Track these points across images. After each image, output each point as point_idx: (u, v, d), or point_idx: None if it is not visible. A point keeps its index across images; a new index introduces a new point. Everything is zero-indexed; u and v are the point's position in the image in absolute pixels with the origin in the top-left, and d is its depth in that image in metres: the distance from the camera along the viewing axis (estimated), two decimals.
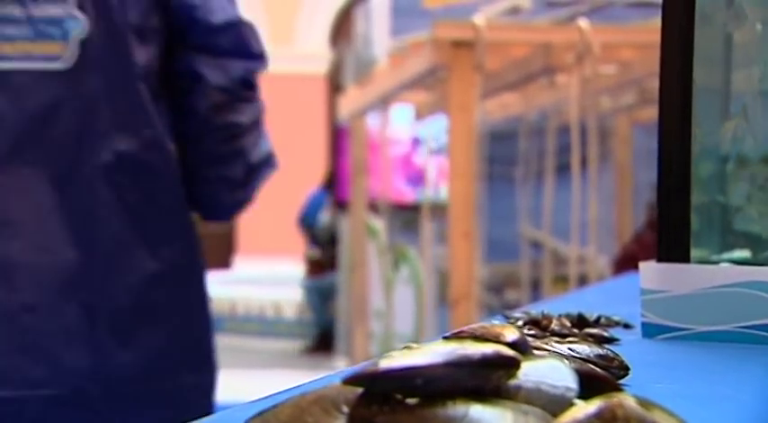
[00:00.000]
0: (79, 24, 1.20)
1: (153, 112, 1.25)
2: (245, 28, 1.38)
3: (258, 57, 1.42)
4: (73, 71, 1.20)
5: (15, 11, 1.19)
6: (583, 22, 2.52)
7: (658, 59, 2.49)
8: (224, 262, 10.90)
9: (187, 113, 1.32)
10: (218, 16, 1.31)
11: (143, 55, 1.25)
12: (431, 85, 3.30)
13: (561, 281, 3.90)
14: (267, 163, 1.48)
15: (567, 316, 0.81)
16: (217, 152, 1.36)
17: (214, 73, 1.31)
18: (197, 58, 1.30)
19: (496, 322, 0.61)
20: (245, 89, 1.39)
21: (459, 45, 2.52)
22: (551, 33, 2.51)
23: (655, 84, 2.60)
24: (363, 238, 4.18)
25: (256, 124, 1.44)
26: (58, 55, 1.20)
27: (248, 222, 11.09)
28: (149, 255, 1.26)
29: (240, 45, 1.36)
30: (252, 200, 1.49)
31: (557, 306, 0.94)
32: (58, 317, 1.21)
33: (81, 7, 1.21)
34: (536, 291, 4.07)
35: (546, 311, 0.82)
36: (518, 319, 0.83)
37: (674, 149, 0.81)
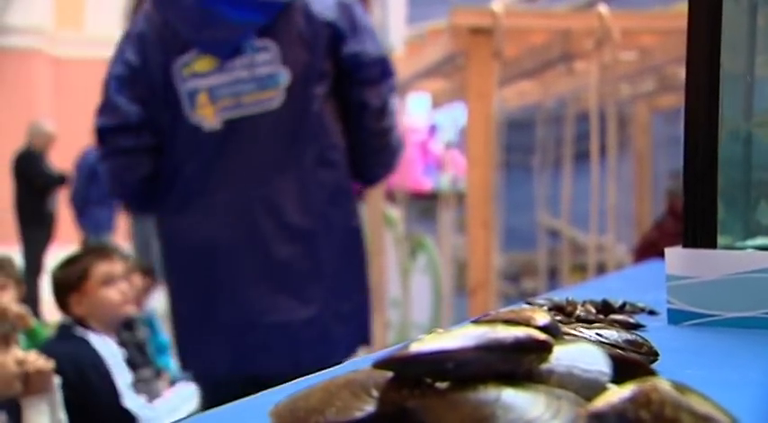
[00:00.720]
0: (285, 76, 1.71)
1: (332, 126, 1.76)
2: (385, 58, 1.83)
3: (392, 74, 1.85)
4: (282, 108, 1.71)
5: (243, 73, 1.70)
6: (602, 8, 2.50)
7: (679, 45, 2.47)
8: None
9: (358, 127, 1.81)
10: (372, 56, 1.77)
11: (322, 89, 1.74)
12: (448, 72, 3.28)
13: (579, 269, 3.88)
14: (400, 146, 1.94)
15: (592, 302, 0.81)
16: (377, 147, 1.86)
17: (374, 99, 1.79)
18: (361, 89, 1.78)
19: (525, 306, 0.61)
20: (391, 103, 1.84)
21: (477, 32, 2.50)
22: (570, 20, 2.49)
23: (675, 70, 2.60)
24: (380, 227, 4.18)
25: (395, 125, 1.90)
26: (273, 98, 1.71)
27: None
28: (343, 219, 1.80)
29: (385, 72, 1.80)
30: (393, 170, 1.98)
31: (579, 293, 0.93)
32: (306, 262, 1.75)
33: (284, 64, 1.71)
34: (553, 279, 4.05)
35: (570, 298, 0.82)
36: (542, 306, 0.82)
37: (701, 134, 0.80)
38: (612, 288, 1.11)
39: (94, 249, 2.74)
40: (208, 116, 1.69)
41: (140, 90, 1.71)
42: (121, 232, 8.68)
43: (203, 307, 1.75)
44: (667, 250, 0.80)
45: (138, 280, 2.85)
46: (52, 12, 10.72)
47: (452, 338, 0.39)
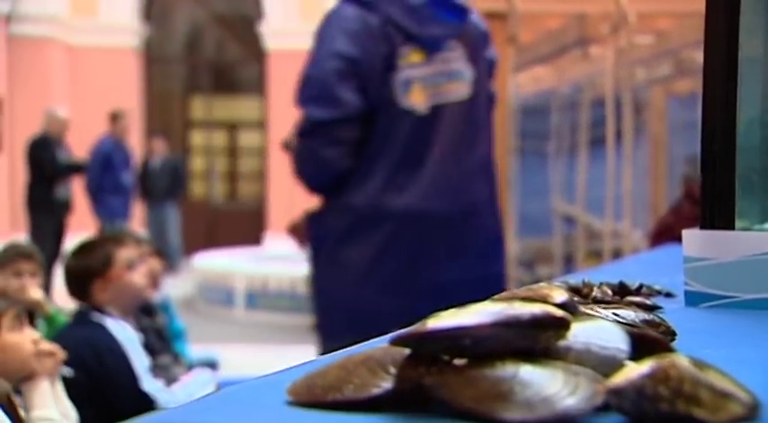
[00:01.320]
0: (469, 72, 1.99)
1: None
2: None
3: None
4: (469, 98, 1.99)
5: (442, 67, 1.97)
6: None
7: (696, 29, 2.45)
8: (255, 238, 10.97)
9: None
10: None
11: (489, 86, 2.11)
12: None
13: (594, 256, 3.87)
14: None
15: (608, 284, 0.81)
16: None
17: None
18: (491, 86, 2.15)
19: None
20: None
21: (492, 16, 2.49)
22: (586, 3, 2.47)
23: (691, 54, 2.58)
24: None
25: None
26: (462, 90, 1.97)
27: (279, 200, 11.14)
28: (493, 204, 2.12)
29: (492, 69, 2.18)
30: None
31: (595, 276, 0.93)
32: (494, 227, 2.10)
33: (468, 62, 1.99)
34: (568, 266, 4.04)
35: (586, 280, 0.81)
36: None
37: (719, 117, 0.79)
38: (629, 272, 1.11)
39: (111, 236, 2.75)
40: (419, 102, 1.91)
41: (360, 80, 1.89)
42: (137, 220, 8.73)
43: (414, 267, 1.95)
44: (685, 232, 0.79)
45: (154, 263, 2.87)
46: (67, 0, 10.74)
47: (469, 315, 0.39)
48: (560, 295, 0.44)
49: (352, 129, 1.89)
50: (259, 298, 6.93)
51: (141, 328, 2.43)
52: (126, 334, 2.31)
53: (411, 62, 1.92)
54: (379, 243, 1.93)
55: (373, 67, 1.88)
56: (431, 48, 1.94)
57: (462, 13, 1.99)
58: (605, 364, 0.40)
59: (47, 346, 1.74)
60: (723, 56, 0.81)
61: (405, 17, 1.90)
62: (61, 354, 1.77)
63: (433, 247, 1.97)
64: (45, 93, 10.44)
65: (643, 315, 0.57)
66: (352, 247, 1.94)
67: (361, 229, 1.94)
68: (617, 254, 3.38)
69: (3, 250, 2.89)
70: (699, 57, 3.05)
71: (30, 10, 10.12)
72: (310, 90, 1.88)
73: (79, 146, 8.94)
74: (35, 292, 2.77)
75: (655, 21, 2.69)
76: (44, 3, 10.41)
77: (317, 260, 2.01)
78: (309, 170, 1.93)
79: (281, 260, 7.60)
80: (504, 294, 0.47)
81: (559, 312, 0.40)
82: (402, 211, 1.92)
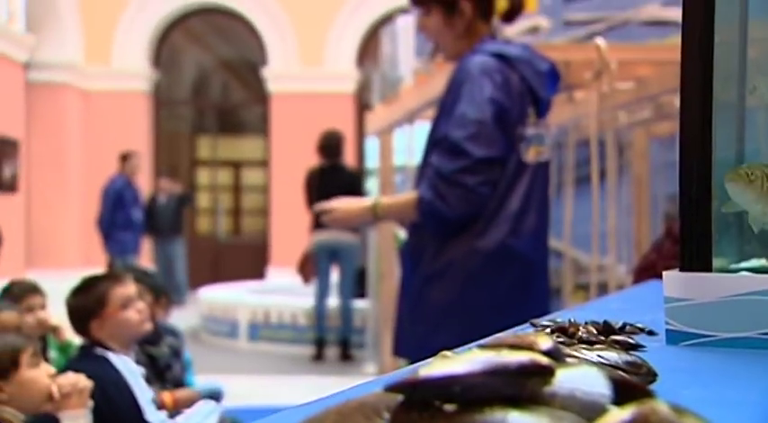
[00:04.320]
0: (549, 137, 2.10)
1: None
2: None
3: None
4: (548, 158, 2.11)
5: (542, 130, 2.05)
6: (600, 41, 2.51)
7: (674, 76, 2.47)
8: (259, 271, 10.94)
9: None
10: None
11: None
12: None
13: (581, 289, 3.87)
14: None
15: (593, 323, 0.81)
16: None
17: None
18: None
19: (529, 330, 0.61)
20: None
21: None
22: (570, 52, 2.50)
23: (670, 99, 2.59)
24: (392, 249, 4.18)
25: None
26: (548, 154, 2.09)
27: (281, 236, 11.13)
28: None
29: None
30: None
31: (582, 314, 0.93)
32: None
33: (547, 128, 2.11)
34: (557, 299, 4.04)
35: (573, 319, 0.81)
36: (546, 327, 0.82)
37: (695, 163, 0.80)
38: (613, 309, 1.11)
39: (108, 275, 2.74)
40: (531, 158, 2.02)
41: (507, 129, 1.96)
42: (145, 255, 8.71)
43: (517, 304, 2.02)
44: (665, 274, 0.80)
45: (148, 297, 2.86)
46: (82, 48, 10.83)
47: (460, 363, 0.39)
48: (546, 343, 0.44)
49: (498, 171, 1.96)
50: (261, 329, 6.90)
51: (152, 357, 2.42)
52: (128, 367, 2.30)
53: (532, 121, 2.03)
54: (507, 285, 2.01)
55: (513, 119, 1.97)
56: (543, 111, 2.06)
57: (557, 84, 2.15)
58: (589, 410, 0.40)
59: (64, 382, 1.73)
60: (698, 102, 0.82)
61: (534, 80, 2.01)
62: (84, 381, 1.77)
63: (541, 289, 2.11)
64: (60, 135, 10.49)
65: (626, 357, 0.57)
66: (480, 289, 1.99)
67: (490, 272, 1.99)
68: (603, 287, 3.37)
69: (12, 288, 2.89)
70: (677, 102, 3.08)
71: (47, 58, 10.20)
72: (471, 130, 1.90)
73: (93, 185, 8.96)
74: (52, 319, 2.78)
75: (635, 68, 2.72)
76: (61, 51, 10.50)
77: (434, 297, 2.01)
78: (461, 207, 1.92)
79: (283, 293, 7.59)
80: (492, 341, 0.47)
81: (545, 360, 0.40)
82: (522, 255, 2.02)
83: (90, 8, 10.80)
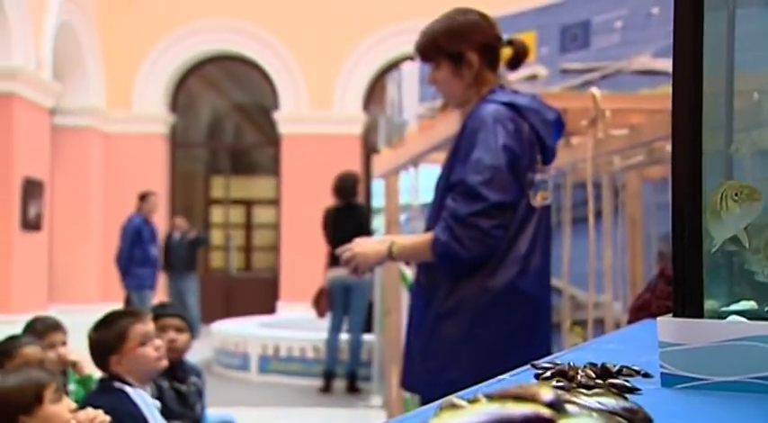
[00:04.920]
0: (551, 183, 2.12)
1: None
2: None
3: None
4: (551, 203, 2.12)
5: (545, 176, 2.06)
6: (596, 91, 2.54)
7: (665, 124, 2.47)
8: (269, 305, 10.92)
9: None
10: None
11: None
12: None
13: (578, 325, 3.85)
14: None
15: (592, 366, 0.81)
16: None
17: None
18: None
19: (532, 381, 0.61)
20: None
21: None
22: (568, 100, 2.53)
23: (662, 145, 2.58)
24: (397, 285, 4.18)
25: None
26: (551, 198, 2.10)
27: (290, 271, 11.12)
28: None
29: None
30: None
31: (581, 355, 0.94)
32: None
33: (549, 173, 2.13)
34: (557, 334, 4.02)
35: (572, 363, 0.82)
36: (546, 370, 0.83)
37: (687, 214, 0.81)
38: (610, 350, 1.11)
39: (129, 311, 2.75)
40: (538, 202, 2.03)
41: (519, 175, 1.98)
42: (160, 290, 8.70)
43: (524, 340, 2.02)
44: (659, 320, 0.80)
45: (186, 334, 2.88)
46: (104, 94, 10.95)
47: (468, 415, 0.40)
48: (548, 394, 0.45)
49: (511, 215, 1.97)
50: (271, 362, 6.88)
51: (175, 390, 2.42)
52: (145, 401, 2.30)
53: (539, 168, 2.06)
54: (515, 323, 2.01)
55: (524, 166, 1.98)
56: (549, 158, 2.09)
57: (562, 133, 2.18)
58: None
59: (83, 417, 1.73)
60: (689, 153, 0.83)
61: (542, 129, 2.03)
62: (102, 417, 1.76)
63: (546, 326, 2.11)
64: (82, 176, 10.56)
65: (623, 403, 0.58)
66: (490, 326, 1.99)
67: (500, 310, 2.00)
68: (599, 323, 3.36)
69: (36, 324, 2.89)
70: (668, 147, 3.11)
71: (72, 103, 10.32)
72: (487, 176, 1.92)
73: (113, 223, 8.99)
74: (72, 355, 2.78)
75: (628, 116, 2.75)
76: (84, 97, 10.62)
77: (446, 334, 2.01)
78: (476, 248, 1.92)
79: (292, 327, 7.57)
80: (497, 392, 0.48)
81: (548, 412, 0.41)
82: (530, 294, 2.02)
83: (112, 57, 10.94)
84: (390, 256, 2.04)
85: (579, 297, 3.84)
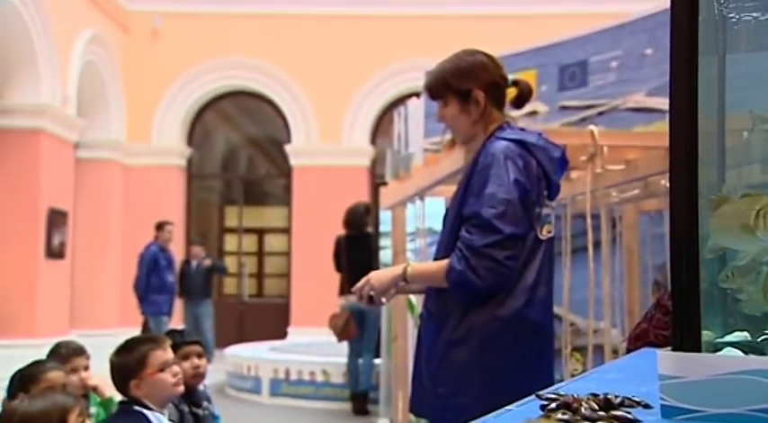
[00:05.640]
0: (553, 216, 2.10)
1: None
2: None
3: None
4: (552, 238, 2.10)
5: (549, 210, 2.07)
6: (594, 128, 2.56)
7: (659, 159, 2.49)
8: (280, 331, 10.88)
9: None
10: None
11: None
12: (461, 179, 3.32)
13: (579, 350, 3.83)
14: None
15: (594, 397, 0.81)
16: None
17: None
18: None
19: (538, 412, 0.62)
20: None
21: None
22: (567, 137, 2.54)
23: (656, 179, 2.58)
24: (404, 312, 4.17)
25: None
26: (554, 231, 2.08)
27: (300, 297, 11.10)
28: None
29: None
30: None
31: (583, 385, 0.94)
32: None
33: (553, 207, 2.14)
34: (557, 359, 3.99)
35: (576, 394, 0.82)
36: (551, 401, 0.83)
37: (685, 249, 0.81)
38: (611, 379, 1.11)
39: (149, 338, 2.75)
40: (545, 234, 2.04)
41: (528, 209, 1.99)
42: (175, 315, 8.69)
43: (531, 366, 2.02)
44: (659, 353, 0.81)
45: (205, 359, 2.87)
46: (125, 128, 11.04)
47: None
48: None
49: (521, 247, 1.98)
50: (282, 386, 6.85)
51: (193, 414, 2.41)
52: None
53: (545, 202, 2.07)
54: (522, 350, 2.00)
55: (533, 200, 1.99)
56: (554, 194, 2.10)
57: (566, 168, 2.18)
58: None
59: None
60: (685, 193, 0.84)
61: (548, 165, 2.05)
62: None
63: (550, 353, 2.11)
64: (104, 206, 10.61)
65: None
66: (498, 354, 1.98)
67: (508, 339, 1.99)
68: (598, 348, 3.34)
69: (59, 349, 2.89)
70: (662, 181, 3.13)
71: (94, 137, 10.41)
72: (501, 209, 1.93)
73: (131, 251, 9.01)
74: (93, 380, 2.77)
75: (625, 152, 2.76)
76: (107, 132, 10.72)
77: (456, 361, 2.01)
78: (490, 278, 1.92)
79: (302, 351, 7.55)
80: None
81: None
82: (536, 323, 2.02)
83: (133, 94, 11.05)
84: (405, 277, 2.05)
85: (578, 324, 3.83)
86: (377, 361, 6.20)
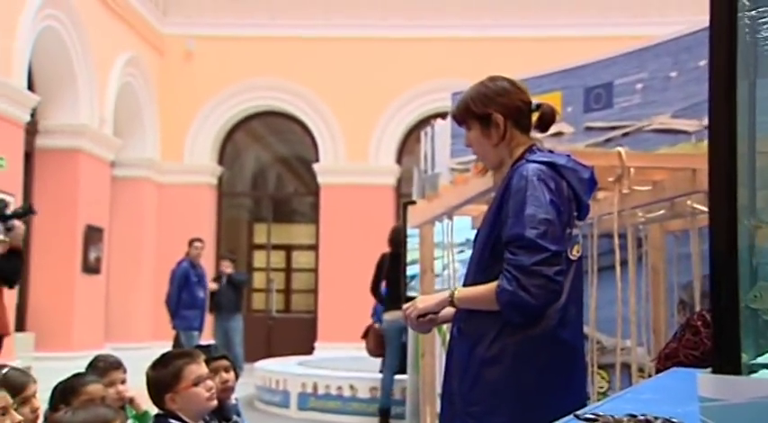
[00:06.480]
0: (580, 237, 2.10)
1: None
2: None
3: None
4: (580, 258, 2.08)
5: (576, 231, 2.06)
6: (622, 149, 2.55)
7: (685, 181, 2.46)
8: (308, 346, 10.89)
9: None
10: None
11: None
12: (489, 199, 3.32)
13: (606, 368, 3.80)
14: None
15: (634, 419, 0.81)
16: None
17: None
18: None
19: None
20: None
21: None
22: (595, 158, 2.53)
23: (683, 200, 2.55)
24: (432, 330, 4.15)
25: None
26: (581, 252, 2.07)
27: (327, 313, 11.11)
28: None
29: None
30: None
31: (619, 404, 0.93)
32: None
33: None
34: None
35: (614, 415, 0.82)
36: (591, 421, 0.83)
37: (725, 274, 0.81)
38: (646, 400, 1.10)
39: (184, 352, 2.76)
40: (575, 254, 2.04)
41: (562, 228, 1.99)
42: (205, 330, 8.73)
43: (563, 385, 1.99)
44: (699, 376, 0.80)
45: (233, 373, 2.88)
46: (159, 148, 11.18)
47: None
48: None
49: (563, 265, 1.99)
50: (310, 400, 6.84)
51: None
52: None
53: (575, 223, 2.07)
54: (554, 370, 1.99)
55: (565, 221, 1.99)
56: (583, 214, 2.11)
57: (594, 189, 2.18)
58: None
59: None
60: (725, 216, 0.83)
61: (578, 186, 2.05)
62: None
63: (582, 372, 2.11)
64: (138, 223, 10.73)
65: None
66: (531, 373, 1.97)
67: (541, 358, 1.98)
68: (625, 367, 3.31)
69: (98, 362, 2.91)
70: (689, 201, 3.10)
71: (130, 156, 10.55)
72: (542, 228, 1.93)
73: (164, 267, 9.08)
74: (130, 393, 2.79)
75: (651, 173, 2.75)
76: (141, 151, 10.86)
77: (490, 380, 2.00)
78: (543, 295, 1.91)
79: (329, 366, 7.54)
80: None
81: None
82: (568, 342, 2.02)
83: (167, 114, 11.20)
84: (452, 302, 2.05)
85: (603, 342, 3.79)
86: (401, 377, 6.18)
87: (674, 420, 0.86)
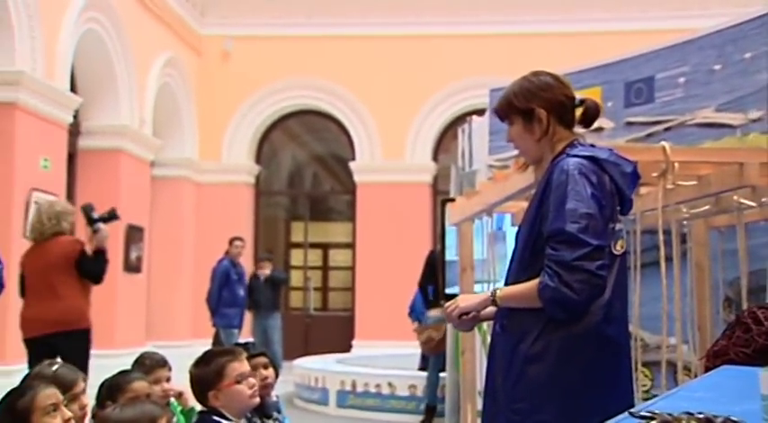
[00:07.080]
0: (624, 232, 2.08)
1: None
2: None
3: None
4: (624, 253, 2.06)
5: (620, 225, 2.03)
6: (666, 144, 2.51)
7: (731, 175, 2.43)
8: (345, 344, 10.93)
9: None
10: None
11: None
12: (529, 196, 3.29)
13: (650, 365, 3.75)
14: None
15: (694, 417, 0.80)
16: None
17: None
18: None
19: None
20: None
21: None
22: (638, 153, 2.50)
23: (728, 196, 2.51)
24: None
25: None
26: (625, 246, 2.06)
27: (364, 310, 11.14)
28: None
29: None
30: None
31: (673, 403, 0.92)
32: None
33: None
34: None
35: (672, 413, 0.81)
36: (647, 419, 0.82)
37: None
38: (701, 398, 1.08)
39: (227, 351, 2.79)
40: (619, 249, 2.01)
41: (606, 222, 1.96)
42: (244, 328, 8.81)
43: (609, 382, 1.96)
44: (762, 373, 0.79)
45: (273, 371, 2.90)
46: (197, 148, 11.31)
47: None
48: None
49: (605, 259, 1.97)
50: (349, 397, 6.87)
51: None
52: None
53: (618, 218, 2.04)
54: (601, 367, 1.96)
55: (607, 216, 1.96)
56: (626, 209, 2.07)
57: (637, 184, 2.14)
58: None
59: None
60: None
61: (620, 180, 2.02)
62: None
63: (628, 369, 2.07)
64: (177, 222, 10.86)
65: None
66: (577, 371, 1.94)
67: (586, 355, 1.95)
68: (670, 365, 3.26)
69: (143, 359, 2.95)
70: (735, 196, 3.04)
71: (169, 156, 10.68)
72: (584, 223, 1.90)
73: (204, 265, 9.19)
74: (178, 388, 2.83)
75: (696, 168, 2.70)
76: (180, 150, 11.00)
77: (534, 377, 1.97)
78: (586, 290, 1.88)
79: (367, 364, 7.56)
80: None
81: None
82: (613, 339, 1.98)
83: (205, 115, 11.32)
84: (494, 301, 2.04)
85: (646, 339, 3.74)
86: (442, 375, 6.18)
87: (734, 419, 0.84)
